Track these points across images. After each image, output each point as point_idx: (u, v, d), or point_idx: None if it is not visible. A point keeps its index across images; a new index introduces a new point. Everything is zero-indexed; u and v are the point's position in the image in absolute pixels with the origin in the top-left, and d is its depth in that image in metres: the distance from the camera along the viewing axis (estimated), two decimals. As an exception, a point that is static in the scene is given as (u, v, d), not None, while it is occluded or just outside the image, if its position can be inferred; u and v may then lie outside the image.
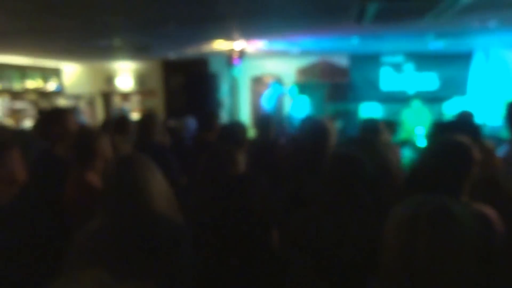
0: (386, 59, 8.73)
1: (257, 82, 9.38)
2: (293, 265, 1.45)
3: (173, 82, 9.34)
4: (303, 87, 8.56)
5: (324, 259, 1.69)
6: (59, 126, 2.76)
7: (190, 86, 7.91)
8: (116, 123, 3.78)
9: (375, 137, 2.90)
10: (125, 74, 10.19)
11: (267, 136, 3.59)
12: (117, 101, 10.96)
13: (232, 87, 7.86)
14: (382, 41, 7.01)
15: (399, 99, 8.30)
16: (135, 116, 10.10)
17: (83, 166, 2.34)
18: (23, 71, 9.26)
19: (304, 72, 8.92)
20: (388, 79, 8.87)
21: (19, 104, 9.70)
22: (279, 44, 7.05)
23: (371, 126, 3.21)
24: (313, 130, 2.80)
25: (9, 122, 8.60)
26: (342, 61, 8.80)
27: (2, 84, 8.79)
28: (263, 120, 3.75)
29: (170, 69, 9.34)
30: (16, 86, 9.19)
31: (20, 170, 1.62)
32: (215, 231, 1.55)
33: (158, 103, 9.76)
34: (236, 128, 3.32)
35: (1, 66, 8.61)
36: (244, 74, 8.66)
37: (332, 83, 8.74)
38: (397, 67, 8.78)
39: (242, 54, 6.77)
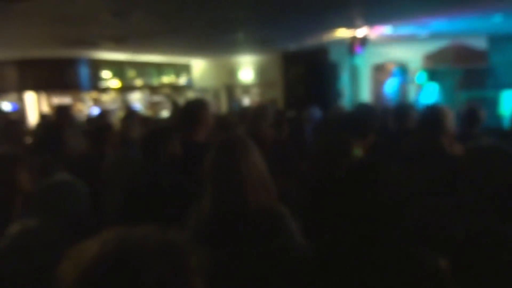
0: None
1: (379, 70, 8.92)
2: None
3: (292, 73, 9.45)
4: (432, 73, 7.86)
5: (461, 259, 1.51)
6: (200, 116, 3.00)
7: (309, 76, 7.90)
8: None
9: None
10: (246, 67, 10.64)
11: (404, 125, 3.44)
12: (239, 93, 11.55)
13: (353, 76, 7.62)
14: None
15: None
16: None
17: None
18: (159, 68, 10.34)
19: (433, 57, 8.18)
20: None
21: (156, 98, 10.89)
22: (405, 29, 6.58)
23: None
24: (425, 116, 2.67)
25: (148, 113, 9.71)
26: (479, 43, 7.83)
27: (143, 80, 9.95)
28: (401, 109, 3.63)
29: (289, 60, 9.46)
30: (154, 81, 10.31)
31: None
32: (333, 219, 1.48)
33: (277, 94, 9.99)
34: (361, 116, 3.22)
35: (142, 64, 9.74)
36: (365, 62, 8.32)
37: (466, 69, 7.85)
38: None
39: (364, 41, 6.50)
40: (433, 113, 2.62)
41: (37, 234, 1.50)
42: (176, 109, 7.77)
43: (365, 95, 8.85)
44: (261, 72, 10.44)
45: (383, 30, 6.55)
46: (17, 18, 4.32)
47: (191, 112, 3.04)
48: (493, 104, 7.27)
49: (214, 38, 6.52)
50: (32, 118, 8.71)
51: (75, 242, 0.76)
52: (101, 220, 2.70)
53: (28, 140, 5.27)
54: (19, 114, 8.78)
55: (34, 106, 9.41)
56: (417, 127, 2.94)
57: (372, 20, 5.75)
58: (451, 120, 2.60)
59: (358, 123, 3.04)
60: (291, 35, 6.74)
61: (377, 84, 8.86)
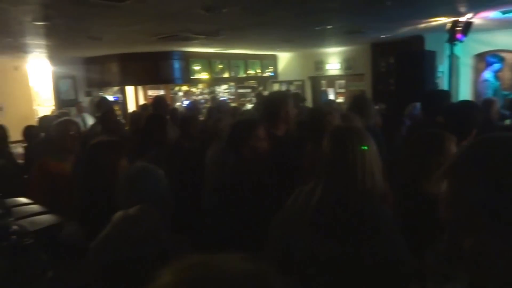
0: None
1: (482, 59, 8.10)
2: None
3: (381, 64, 9.00)
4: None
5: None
6: (280, 110, 2.98)
7: (401, 67, 7.43)
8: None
9: None
10: (332, 58, 10.38)
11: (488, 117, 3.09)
12: (324, 85, 11.35)
13: (451, 66, 7.00)
14: None
15: None
16: (340, 100, 10.26)
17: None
18: (246, 60, 10.54)
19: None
20: None
21: (242, 90, 11.15)
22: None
23: None
24: None
25: (235, 105, 9.97)
26: None
27: (230, 72, 10.24)
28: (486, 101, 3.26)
29: (379, 50, 9.01)
30: (240, 73, 10.55)
31: None
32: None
33: (364, 86, 9.60)
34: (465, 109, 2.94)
35: (229, 57, 10.01)
36: (466, 50, 7.61)
37: None
38: None
39: (467, 27, 5.92)
40: None
41: (137, 221, 1.57)
42: (260, 102, 7.92)
43: (466, 87, 8.11)
44: (348, 63, 10.11)
45: (489, 15, 5.91)
46: (124, 16, 4.67)
47: (272, 106, 3.04)
48: None
49: (303, 30, 6.44)
50: (131, 109, 9.45)
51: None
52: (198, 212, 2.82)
53: (128, 128, 5.71)
54: (120, 104, 9.59)
55: (133, 97, 10.22)
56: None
57: (477, 4, 5.21)
58: None
59: (461, 121, 2.79)
60: (383, 24, 6.39)
61: (479, 75, 8.06)
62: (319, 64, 10.65)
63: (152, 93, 9.95)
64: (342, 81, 10.92)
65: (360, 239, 1.48)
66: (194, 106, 7.21)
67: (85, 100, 9.32)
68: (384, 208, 1.59)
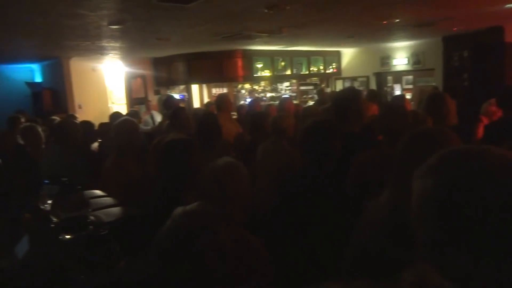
0: None
1: None
2: None
3: (454, 59, 8.43)
4: None
5: None
6: (352, 107, 2.86)
7: (477, 61, 6.92)
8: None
9: None
10: (400, 53, 9.93)
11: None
12: (390, 81, 10.90)
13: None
14: None
15: None
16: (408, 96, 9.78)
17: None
18: (308, 57, 10.42)
19: None
20: None
21: (304, 87, 11.06)
22: None
23: None
24: None
25: (297, 102, 9.91)
26: None
27: (292, 69, 10.19)
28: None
29: (452, 44, 8.44)
30: (303, 71, 10.46)
31: None
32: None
33: (434, 82, 9.07)
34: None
35: (291, 54, 9.96)
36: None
37: None
38: None
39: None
40: None
41: (196, 216, 1.58)
42: (323, 98, 7.79)
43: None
44: (417, 58, 9.60)
45: None
46: (191, 17, 4.84)
47: (343, 103, 2.91)
48: None
49: (369, 24, 6.23)
50: (196, 106, 9.77)
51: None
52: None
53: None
54: (186, 102, 9.96)
55: (198, 95, 10.56)
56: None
57: None
58: None
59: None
60: (457, 15, 5.98)
61: None
62: (385, 59, 10.24)
63: (216, 91, 10.21)
64: (410, 77, 10.41)
65: None
66: (255, 104, 7.27)
67: (153, 99, 9.82)
68: None
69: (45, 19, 4.45)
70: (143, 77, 10.08)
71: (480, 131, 3.96)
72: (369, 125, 3.13)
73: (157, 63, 9.97)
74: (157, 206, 2.18)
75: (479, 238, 0.67)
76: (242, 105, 7.39)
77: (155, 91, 10.30)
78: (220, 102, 5.14)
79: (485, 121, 4.13)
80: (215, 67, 9.07)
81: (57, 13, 4.18)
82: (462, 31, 7.76)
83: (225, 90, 9.97)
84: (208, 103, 8.70)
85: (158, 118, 7.82)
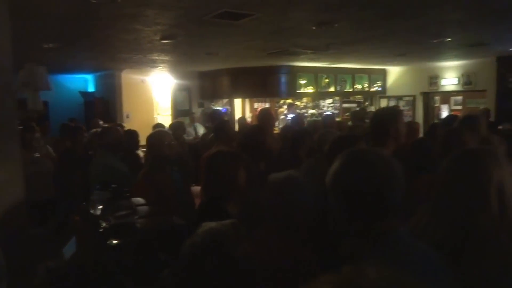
0: None
1: None
2: None
3: (509, 80, 8.05)
4: None
5: None
6: (389, 127, 2.80)
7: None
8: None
9: None
10: (450, 73, 9.60)
11: None
12: (437, 101, 10.56)
13: None
14: None
15: None
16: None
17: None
18: (353, 74, 10.31)
19: None
20: None
21: (347, 104, 10.92)
22: None
23: None
24: None
25: (339, 119, 9.80)
26: None
27: (336, 86, 10.10)
28: None
29: (506, 64, 8.07)
30: (347, 88, 10.34)
31: None
32: None
33: (486, 103, 8.66)
34: None
35: (336, 70, 9.89)
36: None
37: None
38: None
39: None
40: None
41: (215, 233, 1.56)
42: (361, 117, 7.68)
43: None
44: (468, 78, 9.23)
45: None
46: (239, 34, 4.94)
47: (381, 122, 2.87)
48: None
49: (419, 43, 6.09)
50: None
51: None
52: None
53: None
54: (228, 116, 10.10)
55: (240, 109, 10.69)
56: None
57: None
58: None
59: None
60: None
61: None
62: (433, 79, 9.93)
63: (258, 105, 10.30)
64: (459, 97, 10.01)
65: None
66: (299, 120, 7.26)
67: (197, 111, 10.05)
68: None
69: (104, 33, 4.71)
70: (188, 89, 10.36)
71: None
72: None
73: (202, 76, 10.23)
74: (202, 217, 2.21)
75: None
76: (287, 126, 7.37)
77: (199, 103, 10.54)
78: (263, 117, 5.19)
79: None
80: (259, 82, 9.17)
81: (116, 28, 4.42)
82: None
83: (267, 105, 10.04)
84: (241, 118, 8.73)
85: (201, 130, 7.98)
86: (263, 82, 9.17)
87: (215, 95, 10.16)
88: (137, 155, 4.93)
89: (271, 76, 9.18)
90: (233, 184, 2.23)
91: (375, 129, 2.86)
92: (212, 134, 4.51)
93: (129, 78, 9.12)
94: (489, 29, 5.18)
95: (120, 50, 6.07)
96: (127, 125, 7.05)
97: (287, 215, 1.69)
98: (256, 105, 10.48)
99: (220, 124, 4.18)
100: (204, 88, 10.34)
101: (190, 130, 8.05)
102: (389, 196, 1.20)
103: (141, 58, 6.94)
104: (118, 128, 4.85)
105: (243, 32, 4.80)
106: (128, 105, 9.14)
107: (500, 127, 6.69)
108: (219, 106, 10.32)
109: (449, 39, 5.88)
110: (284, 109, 10.28)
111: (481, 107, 8.28)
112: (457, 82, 9.46)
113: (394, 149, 2.83)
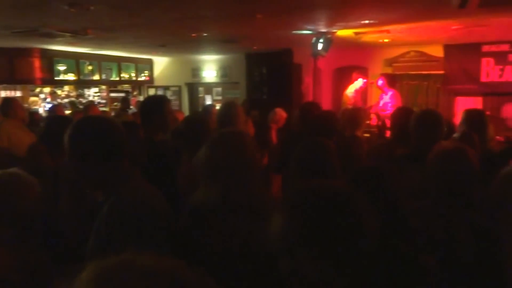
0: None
1: (340, 73, 9.11)
2: None
3: (255, 74, 9.44)
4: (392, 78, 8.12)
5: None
6: (160, 115, 2.91)
7: (273, 77, 7.94)
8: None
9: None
10: (209, 66, 10.53)
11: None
12: (201, 92, 11.43)
13: (315, 78, 7.71)
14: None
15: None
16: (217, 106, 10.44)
17: None
18: (119, 63, 10.00)
19: (393, 62, 8.50)
20: None
21: (115, 94, 10.53)
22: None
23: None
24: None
25: (106, 109, 9.37)
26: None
27: (102, 75, 9.59)
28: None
29: (253, 61, 9.44)
30: (113, 77, 9.96)
31: None
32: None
33: (239, 94, 9.95)
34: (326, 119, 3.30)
35: (100, 58, 9.36)
36: (327, 64, 8.47)
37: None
38: None
39: (327, 44, 6.59)
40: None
41: None
42: (124, 106, 7.69)
43: (327, 98, 9.02)
44: (224, 71, 10.37)
45: (348, 33, 6.68)
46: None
47: (149, 109, 2.99)
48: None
49: (179, 35, 6.39)
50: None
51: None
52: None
53: None
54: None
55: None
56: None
57: (336, 23, 5.85)
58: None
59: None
60: (255, 35, 6.72)
61: (339, 87, 9.03)
62: (196, 70, 10.70)
63: (5, 94, 8.71)
64: (219, 89, 11.14)
65: None
66: (57, 109, 6.53)
67: None
68: None
69: None
70: None
71: (274, 135, 4.57)
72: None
73: None
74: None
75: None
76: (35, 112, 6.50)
77: None
78: (6, 107, 4.45)
79: (274, 127, 4.87)
80: (4, 66, 7.75)
81: None
82: (261, 50, 8.76)
83: (18, 93, 8.62)
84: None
85: None
86: (10, 66, 7.81)
87: None
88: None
89: (20, 60, 7.90)
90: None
91: (143, 117, 2.99)
92: None
93: None
94: (235, 27, 5.90)
95: None
96: None
97: None
98: (3, 93, 8.83)
99: None
100: None
101: None
102: None
103: None
104: None
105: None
106: None
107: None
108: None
109: (206, 34, 6.41)
110: (39, 98, 9.04)
111: (238, 97, 9.47)
112: (215, 75, 10.49)
113: (162, 135, 2.96)
